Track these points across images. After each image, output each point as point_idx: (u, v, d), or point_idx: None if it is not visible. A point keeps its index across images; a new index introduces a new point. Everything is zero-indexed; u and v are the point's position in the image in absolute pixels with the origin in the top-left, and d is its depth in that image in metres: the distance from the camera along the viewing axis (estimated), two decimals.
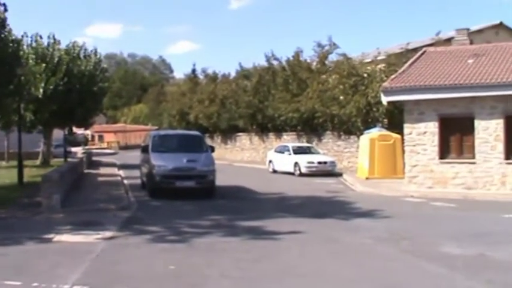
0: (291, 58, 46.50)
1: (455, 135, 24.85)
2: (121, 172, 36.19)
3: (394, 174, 29.63)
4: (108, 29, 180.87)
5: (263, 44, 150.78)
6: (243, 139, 52.42)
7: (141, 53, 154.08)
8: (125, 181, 29.45)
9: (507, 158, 23.78)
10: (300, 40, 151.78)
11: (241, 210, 19.27)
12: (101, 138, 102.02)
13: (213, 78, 60.33)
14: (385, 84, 26.50)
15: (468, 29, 31.98)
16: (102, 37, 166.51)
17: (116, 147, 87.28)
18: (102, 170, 38.30)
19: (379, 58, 39.25)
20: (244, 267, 10.94)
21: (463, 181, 24.39)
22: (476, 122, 24.20)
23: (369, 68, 38.78)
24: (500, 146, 23.82)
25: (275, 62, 48.60)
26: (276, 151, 38.22)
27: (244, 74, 55.12)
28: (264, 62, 49.72)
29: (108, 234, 14.24)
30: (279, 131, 45.88)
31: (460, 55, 27.72)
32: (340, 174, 33.61)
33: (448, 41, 34.68)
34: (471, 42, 30.94)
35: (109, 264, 11.15)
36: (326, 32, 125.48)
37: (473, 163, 24.27)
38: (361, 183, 28.16)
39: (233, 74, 58.58)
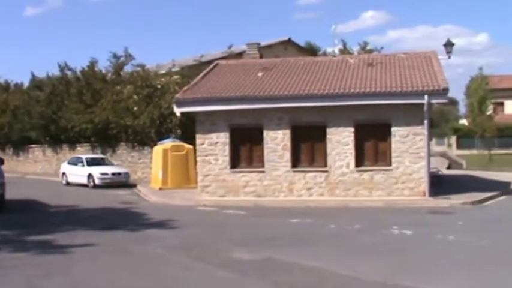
0: (86, 68, 45.61)
1: (246, 145, 25.73)
2: None
3: (187, 184, 30.02)
4: None
5: (58, 53, 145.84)
6: (35, 151, 50.44)
7: None
8: None
9: (294, 166, 25.05)
10: (97, 50, 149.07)
11: (32, 224, 18.68)
12: None
13: (4, 87, 57.30)
14: (178, 95, 26.86)
15: (259, 44, 33.32)
16: None
17: None
18: None
19: (173, 70, 39.70)
20: (36, 283, 10.66)
21: (253, 189, 25.31)
22: (265, 132, 25.24)
23: (163, 79, 39.13)
24: (288, 155, 25.03)
25: (69, 72, 47.34)
26: (69, 163, 37.26)
27: (36, 84, 53.03)
28: (58, 71, 48.26)
29: None
30: (72, 142, 44.65)
31: (251, 68, 28.80)
32: (134, 185, 33.41)
33: (240, 54, 35.88)
34: (261, 56, 32.27)
35: None
36: (122, 43, 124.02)
37: (263, 172, 25.28)
38: (154, 194, 28.27)
39: (26, 84, 56.13)
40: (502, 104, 78.90)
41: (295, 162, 25.14)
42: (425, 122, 23.91)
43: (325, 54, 51.48)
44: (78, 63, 67.31)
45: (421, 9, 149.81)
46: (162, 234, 16.41)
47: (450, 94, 25.68)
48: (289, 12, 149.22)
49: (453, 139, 69.91)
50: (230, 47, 42.00)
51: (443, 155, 61.63)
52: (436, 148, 77.11)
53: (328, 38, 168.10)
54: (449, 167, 44.04)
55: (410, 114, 24.12)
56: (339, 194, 24.60)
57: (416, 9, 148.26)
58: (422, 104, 23.56)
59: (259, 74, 27.48)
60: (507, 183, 29.62)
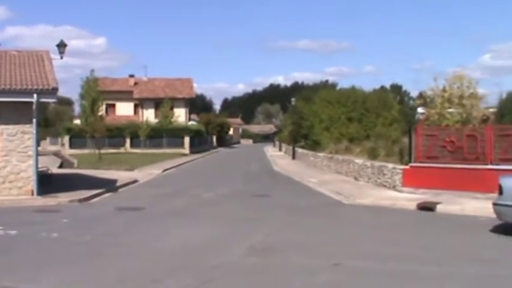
0: None
1: None
2: None
3: None
4: None
5: None
6: None
7: None
8: None
9: None
10: None
11: None
12: None
13: None
14: None
15: None
16: None
17: None
18: None
19: None
20: None
21: None
22: None
23: None
24: None
25: None
26: None
27: None
28: None
29: None
30: None
31: None
32: None
33: None
34: None
35: None
36: None
37: None
38: None
39: None
40: (114, 105, 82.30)
41: None
42: (34, 120, 23.95)
43: None
44: None
45: (41, 8, 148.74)
46: None
47: (67, 94, 26.36)
48: None
49: (66, 138, 70.66)
50: None
51: (56, 154, 62.07)
52: (50, 147, 77.28)
53: None
54: (61, 166, 44.44)
55: (19, 113, 23.96)
56: None
57: (37, 8, 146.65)
58: (32, 103, 23.61)
59: None
60: (114, 181, 31.12)
